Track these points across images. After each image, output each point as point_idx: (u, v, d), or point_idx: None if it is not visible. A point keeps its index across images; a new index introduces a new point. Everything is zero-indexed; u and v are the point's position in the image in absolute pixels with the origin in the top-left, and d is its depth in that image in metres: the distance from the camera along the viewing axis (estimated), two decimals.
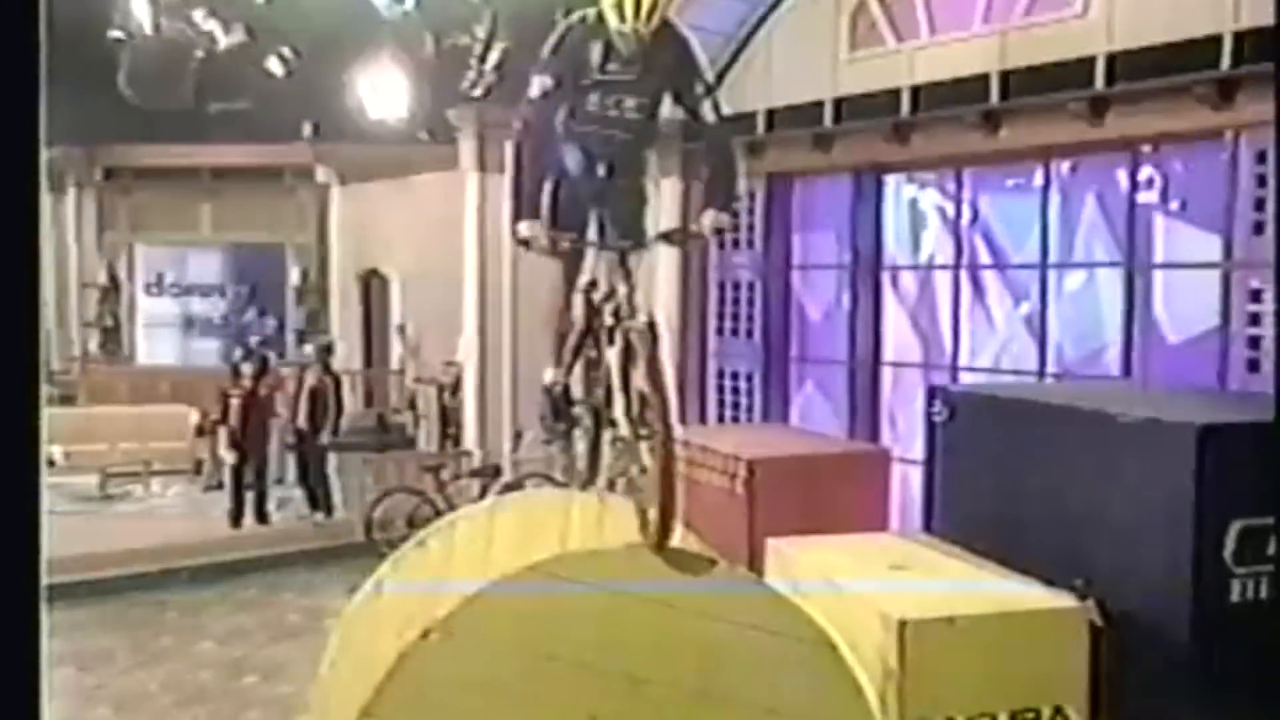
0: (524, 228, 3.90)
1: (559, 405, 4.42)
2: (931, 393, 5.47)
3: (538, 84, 3.98)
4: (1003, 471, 5.04)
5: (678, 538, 4.40)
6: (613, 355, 4.08)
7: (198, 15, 8.18)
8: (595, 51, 3.90)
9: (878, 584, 4.22)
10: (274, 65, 17.01)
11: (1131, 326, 9.10)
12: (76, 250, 20.34)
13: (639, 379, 3.85)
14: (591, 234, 4.15)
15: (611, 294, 4.01)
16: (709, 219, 4.04)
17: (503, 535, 4.46)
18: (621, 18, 3.75)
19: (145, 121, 17.68)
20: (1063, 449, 4.81)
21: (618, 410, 4.11)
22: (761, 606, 3.74)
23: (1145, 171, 8.97)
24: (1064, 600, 4.08)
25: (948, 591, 4.14)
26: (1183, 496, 4.16)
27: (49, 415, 10.05)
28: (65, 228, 20.62)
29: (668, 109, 4.20)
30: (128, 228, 20.13)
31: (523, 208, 3.95)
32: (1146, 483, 4.38)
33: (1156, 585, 4.24)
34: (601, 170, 4.04)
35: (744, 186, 4.16)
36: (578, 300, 4.20)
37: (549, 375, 4.46)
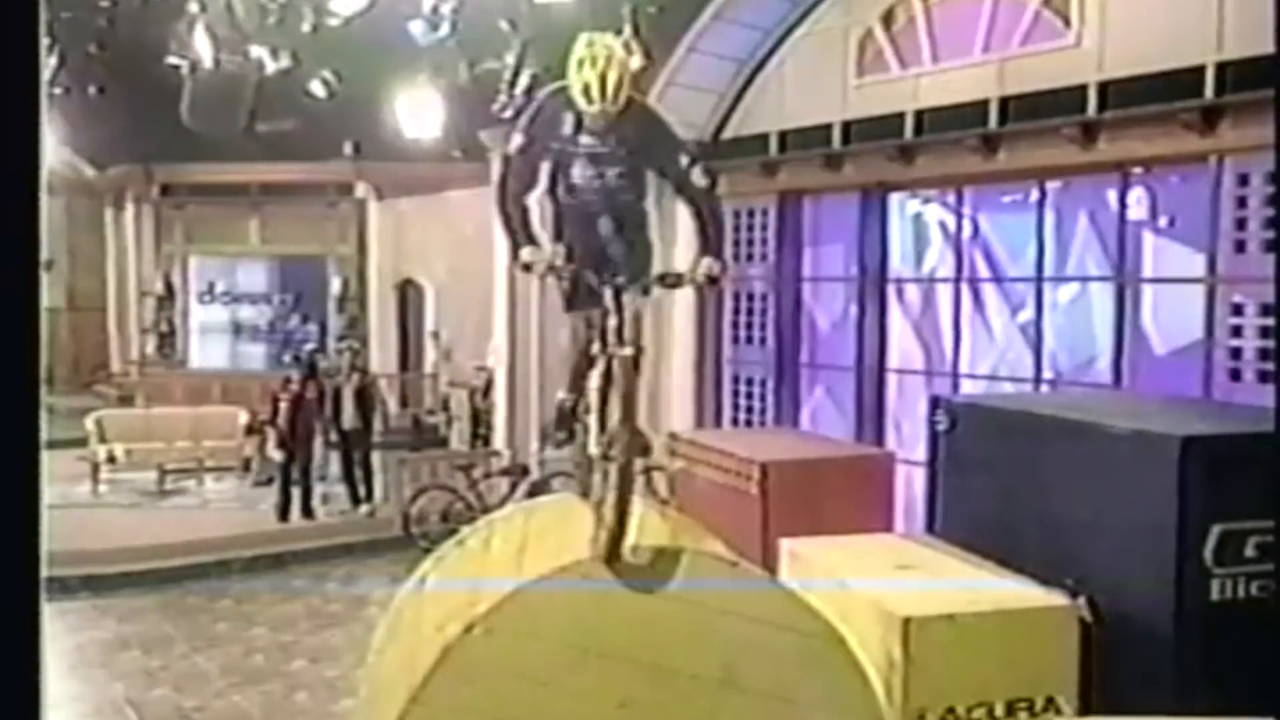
0: (525, 254, 4.04)
1: (564, 417, 4.56)
2: (934, 403, 5.54)
3: (514, 139, 4.16)
4: (1000, 478, 5.10)
5: (699, 540, 4.50)
6: (594, 379, 4.22)
7: (254, 50, 8.30)
8: (568, 123, 4.04)
9: (884, 583, 4.29)
10: (317, 88, 17.19)
11: (1122, 337, 9.13)
12: (136, 261, 20.64)
13: (613, 406, 3.95)
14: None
15: (604, 324, 4.12)
16: (704, 266, 4.15)
17: (536, 537, 4.55)
18: (589, 99, 3.89)
19: (199, 141, 17.87)
20: (1057, 457, 4.87)
21: (592, 431, 4.22)
22: (778, 604, 3.82)
23: (1135, 192, 9.02)
24: (1056, 599, 4.15)
25: (949, 590, 4.21)
26: (1167, 502, 4.22)
27: (112, 415, 10.31)
28: (125, 240, 20.94)
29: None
30: (182, 240, 20.39)
31: (518, 238, 4.08)
32: (1134, 489, 4.45)
33: (1142, 585, 4.31)
34: (606, 228, 4.15)
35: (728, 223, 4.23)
36: (578, 328, 4.34)
37: (561, 394, 4.65)
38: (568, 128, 4.07)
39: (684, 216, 4.38)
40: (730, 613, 3.74)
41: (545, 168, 4.22)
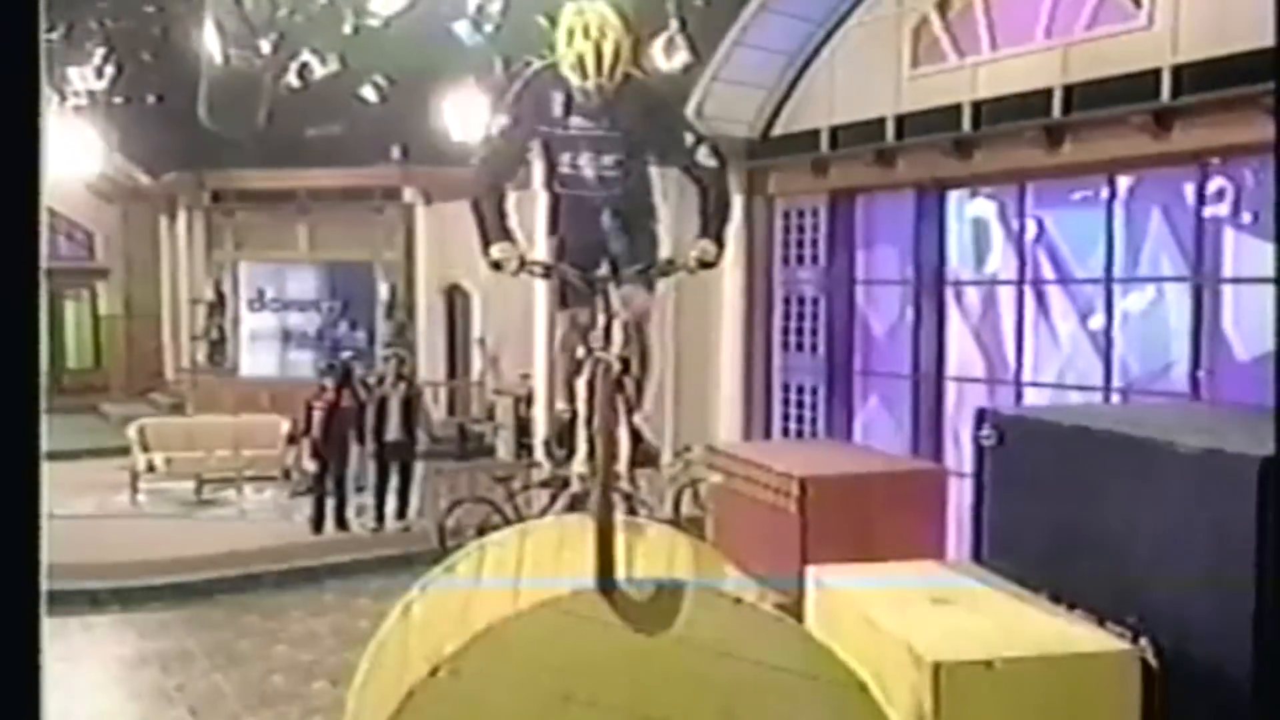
0: (495, 250, 3.69)
1: (564, 429, 4.20)
2: (980, 416, 5.07)
3: (496, 123, 3.81)
4: (1054, 500, 4.63)
5: (714, 568, 4.10)
6: (581, 386, 3.90)
7: (265, 45, 8.09)
8: (557, 103, 3.68)
9: (915, 619, 3.85)
10: (368, 92, 17.11)
11: (1199, 343, 8.59)
12: (188, 268, 20.76)
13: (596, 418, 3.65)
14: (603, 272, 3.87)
15: (592, 326, 3.82)
16: (696, 250, 3.75)
17: (533, 562, 4.19)
18: (583, 74, 3.53)
19: (248, 148, 17.92)
20: (1118, 478, 4.38)
21: (580, 446, 3.94)
22: (788, 645, 3.41)
23: (1214, 184, 8.45)
24: (1114, 642, 3.67)
25: (989, 630, 3.75)
26: (1243, 530, 3.72)
27: (154, 423, 10.20)
28: (178, 248, 21.10)
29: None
30: (232, 247, 20.48)
31: (489, 233, 3.72)
32: (1206, 516, 3.95)
33: (1215, 625, 3.81)
34: (605, 220, 3.80)
35: (738, 214, 3.89)
36: (568, 330, 3.97)
37: (560, 404, 4.26)
38: (558, 108, 3.69)
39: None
40: (733, 656, 3.33)
41: (534, 155, 3.88)
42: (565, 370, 4.10)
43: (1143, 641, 3.72)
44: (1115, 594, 4.03)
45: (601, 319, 3.75)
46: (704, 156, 3.80)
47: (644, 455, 4.12)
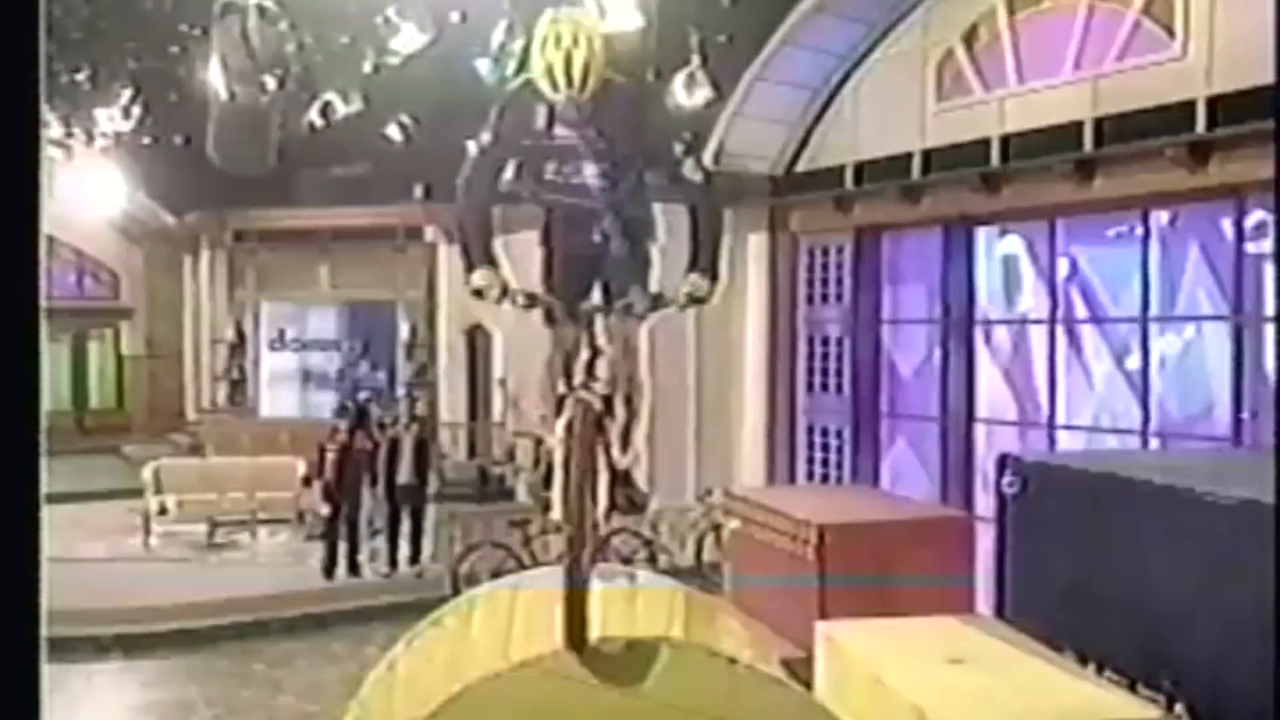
0: (476, 278, 3.51)
1: (550, 470, 3.87)
2: (1002, 461, 4.86)
3: (475, 143, 3.60)
4: (1081, 551, 4.41)
5: (712, 623, 3.91)
6: (559, 426, 3.61)
7: (270, 81, 8.06)
8: (539, 116, 3.50)
9: (930, 681, 3.63)
10: (394, 132, 17.18)
11: (1240, 384, 8.34)
12: (210, 308, 20.85)
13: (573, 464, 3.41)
14: (595, 300, 3.69)
15: (575, 354, 3.61)
16: (687, 284, 3.52)
17: (525, 615, 4.01)
18: (553, 84, 3.37)
19: (271, 186, 18.01)
20: (1148, 529, 4.17)
21: (555, 489, 3.62)
22: (785, 710, 3.21)
23: (1254, 218, 8.24)
24: (1146, 709, 3.44)
25: (1008, 694, 3.53)
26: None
27: (169, 465, 10.11)
28: (200, 287, 21.18)
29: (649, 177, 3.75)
30: (254, 286, 20.53)
31: (473, 259, 3.57)
32: (1242, 570, 3.72)
33: (1254, 689, 3.56)
34: (594, 237, 3.61)
35: (727, 246, 3.58)
36: (554, 355, 3.74)
37: (547, 437, 3.94)
38: (540, 121, 3.53)
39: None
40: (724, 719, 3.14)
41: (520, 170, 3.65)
42: (549, 401, 3.85)
43: (1178, 708, 3.48)
44: (1146, 654, 3.80)
45: (586, 353, 3.56)
46: (689, 170, 3.62)
47: (629, 501, 3.83)
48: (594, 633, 3.59)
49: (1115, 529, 4.31)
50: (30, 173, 1.60)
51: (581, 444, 3.41)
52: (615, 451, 3.61)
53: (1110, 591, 4.20)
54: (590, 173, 3.56)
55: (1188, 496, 4.07)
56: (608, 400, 3.54)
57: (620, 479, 3.68)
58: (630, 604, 4.09)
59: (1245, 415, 8.25)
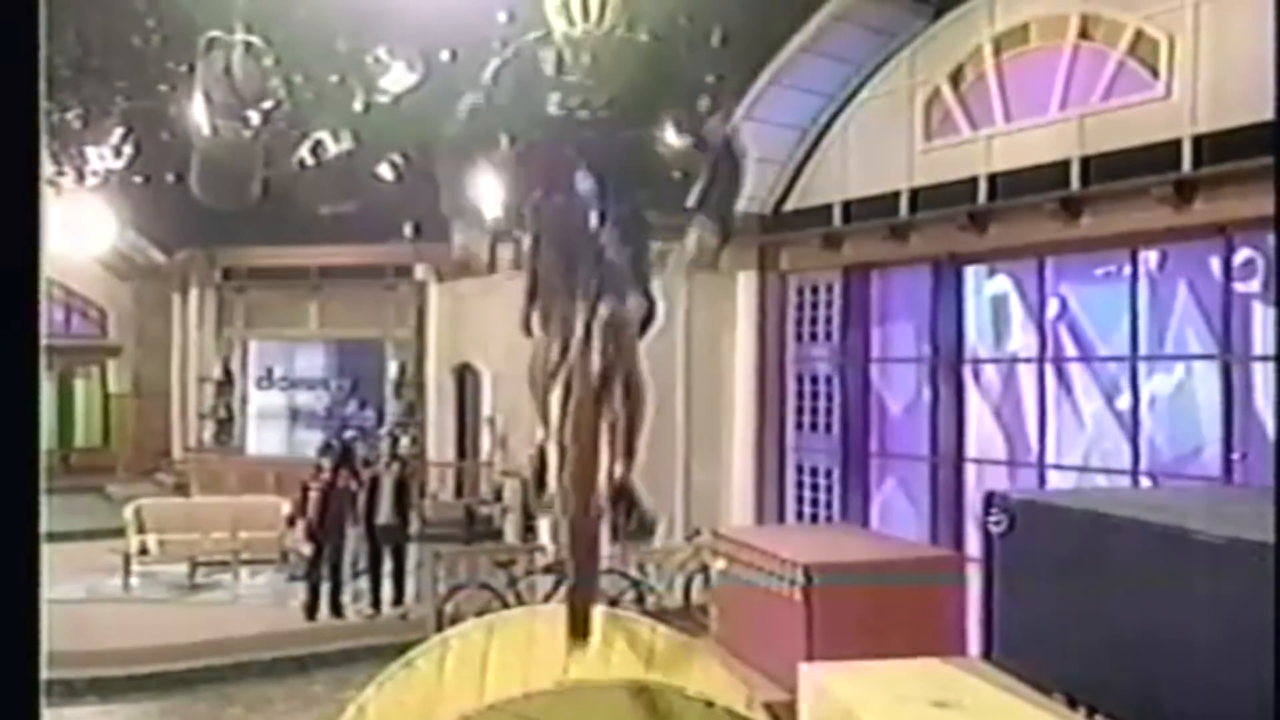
0: (459, 237, 3.31)
1: (543, 467, 3.63)
2: (989, 499, 4.79)
3: (467, 100, 3.37)
4: (1069, 591, 4.33)
5: (687, 663, 3.83)
6: (555, 399, 3.36)
7: (253, 116, 8.04)
8: (548, 62, 3.27)
9: None
10: (385, 171, 17.18)
11: (1231, 423, 8.31)
12: (198, 345, 20.77)
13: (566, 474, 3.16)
14: (582, 293, 3.38)
15: (568, 346, 3.28)
16: (692, 239, 3.28)
17: (499, 657, 3.92)
18: (569, 20, 3.14)
19: (261, 224, 18.00)
20: (1136, 568, 4.09)
21: (550, 466, 3.42)
22: None
23: (1241, 256, 8.24)
24: None
25: None
26: (1269, 627, 3.42)
27: (150, 504, 10.03)
28: (189, 325, 21.11)
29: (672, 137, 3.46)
30: (243, 324, 20.48)
31: (452, 210, 3.34)
32: (1231, 610, 3.65)
33: None
34: (593, 220, 3.30)
35: (741, 207, 3.42)
36: (540, 337, 3.45)
37: (539, 434, 3.69)
38: (549, 66, 3.28)
39: None
40: None
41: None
42: (540, 385, 3.53)
43: None
44: (1138, 697, 3.72)
45: (579, 328, 3.21)
46: (714, 127, 3.39)
47: (638, 522, 3.56)
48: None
49: (1104, 568, 4.24)
50: (31, 205, 1.53)
51: (580, 410, 3.10)
52: (618, 460, 3.29)
53: (1099, 633, 4.12)
54: (598, 104, 3.25)
55: (1178, 535, 4.01)
56: (606, 374, 3.19)
57: (625, 495, 3.39)
58: (608, 644, 4.01)
59: (1235, 455, 8.21)
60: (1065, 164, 8.90)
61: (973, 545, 9.65)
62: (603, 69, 3.19)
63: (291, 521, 12.61)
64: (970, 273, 10.50)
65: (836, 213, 11.05)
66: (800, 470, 11.68)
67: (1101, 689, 3.86)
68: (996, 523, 4.65)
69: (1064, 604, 4.35)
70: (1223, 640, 3.69)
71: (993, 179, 9.54)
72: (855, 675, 4.11)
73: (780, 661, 5.82)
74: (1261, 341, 8.16)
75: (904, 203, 10.34)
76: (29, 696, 1.51)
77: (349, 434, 15.89)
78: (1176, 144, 8.08)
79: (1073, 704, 3.95)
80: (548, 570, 11.36)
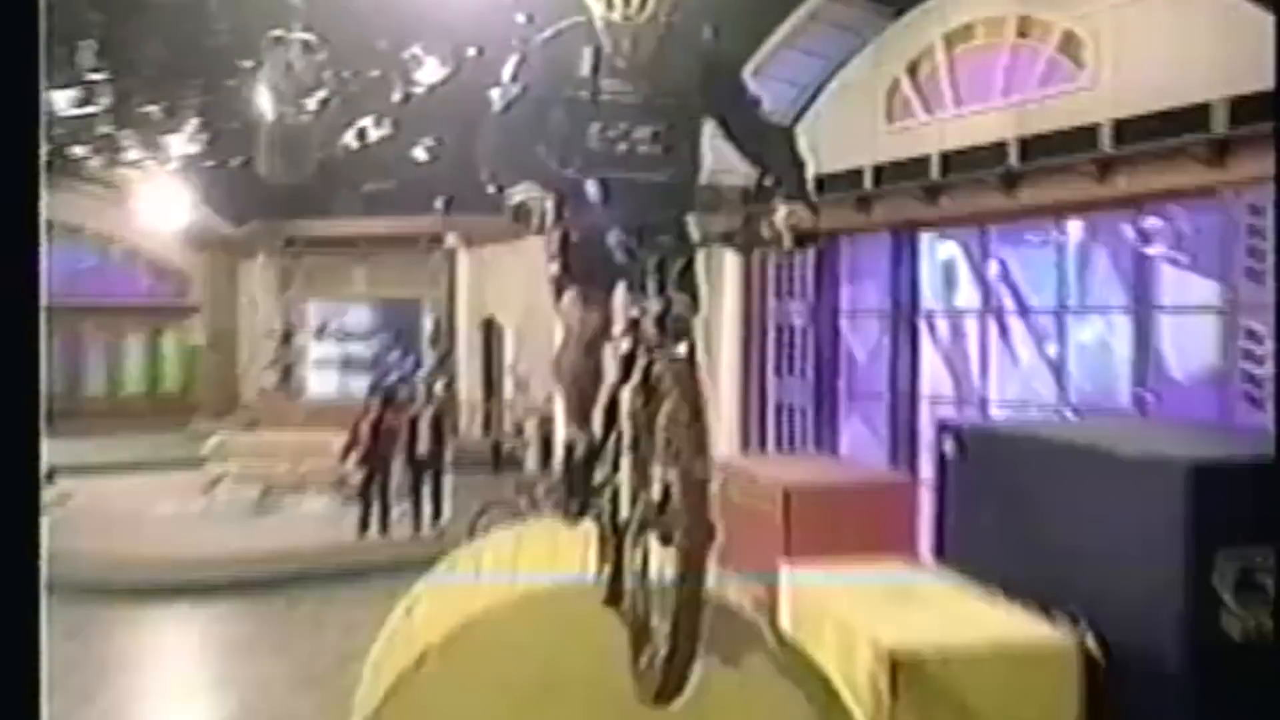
0: (519, 190, 2.40)
1: (576, 476, 2.82)
2: (942, 428, 4.86)
3: (500, 93, 2.66)
4: (1008, 503, 4.41)
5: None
6: (627, 398, 2.54)
7: (310, 103, 8.03)
8: (584, 59, 2.57)
9: (877, 613, 3.63)
10: (419, 153, 17.09)
11: (1142, 366, 8.36)
12: (264, 305, 20.79)
13: (662, 445, 2.25)
14: (621, 296, 2.61)
15: (640, 318, 2.44)
16: (782, 214, 2.58)
17: (528, 559, 3.99)
18: (609, 3, 2.45)
19: (315, 200, 17.95)
20: (1065, 483, 4.17)
21: (624, 483, 2.56)
22: (757, 642, 3.19)
23: (1151, 224, 8.25)
24: (1059, 635, 3.44)
25: (944, 624, 3.53)
26: (1175, 531, 3.51)
27: (228, 439, 10.15)
28: (254, 287, 21.12)
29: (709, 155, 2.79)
30: (301, 286, 20.48)
31: (499, 180, 2.49)
32: (1142, 517, 3.73)
33: (1150, 618, 3.58)
34: (631, 239, 2.47)
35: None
36: (583, 318, 2.66)
37: (567, 432, 2.90)
38: (584, 65, 2.57)
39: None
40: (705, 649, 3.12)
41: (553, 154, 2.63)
42: (577, 380, 2.75)
43: (1086, 633, 3.49)
44: (1062, 588, 3.81)
45: (654, 305, 2.35)
46: (765, 129, 2.75)
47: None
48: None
49: (1038, 483, 4.31)
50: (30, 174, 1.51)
51: (691, 416, 2.15)
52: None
53: (1033, 537, 4.20)
54: (641, 138, 2.64)
55: (1096, 453, 4.08)
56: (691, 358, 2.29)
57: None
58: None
59: (1144, 393, 8.27)
60: (1005, 144, 8.86)
61: (925, 470, 9.77)
62: (649, 78, 2.59)
63: (345, 454, 12.71)
64: (925, 238, 10.50)
65: (810, 186, 10.99)
66: (779, 409, 11.73)
67: (1033, 584, 3.94)
68: (948, 448, 4.72)
69: (1004, 513, 4.43)
70: (1133, 542, 3.76)
71: (944, 157, 9.49)
72: (829, 573, 4.19)
73: (762, 565, 5.91)
74: (1169, 295, 8.22)
75: (868, 178, 10.29)
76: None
77: (392, 379, 15.94)
78: (1098, 127, 8.06)
79: (1009, 596, 4.03)
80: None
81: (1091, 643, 3.42)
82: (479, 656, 2.99)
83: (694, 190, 2.85)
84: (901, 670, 3.26)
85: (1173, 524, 3.55)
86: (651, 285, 2.43)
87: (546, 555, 4.00)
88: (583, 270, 2.67)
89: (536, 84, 2.63)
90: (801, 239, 2.65)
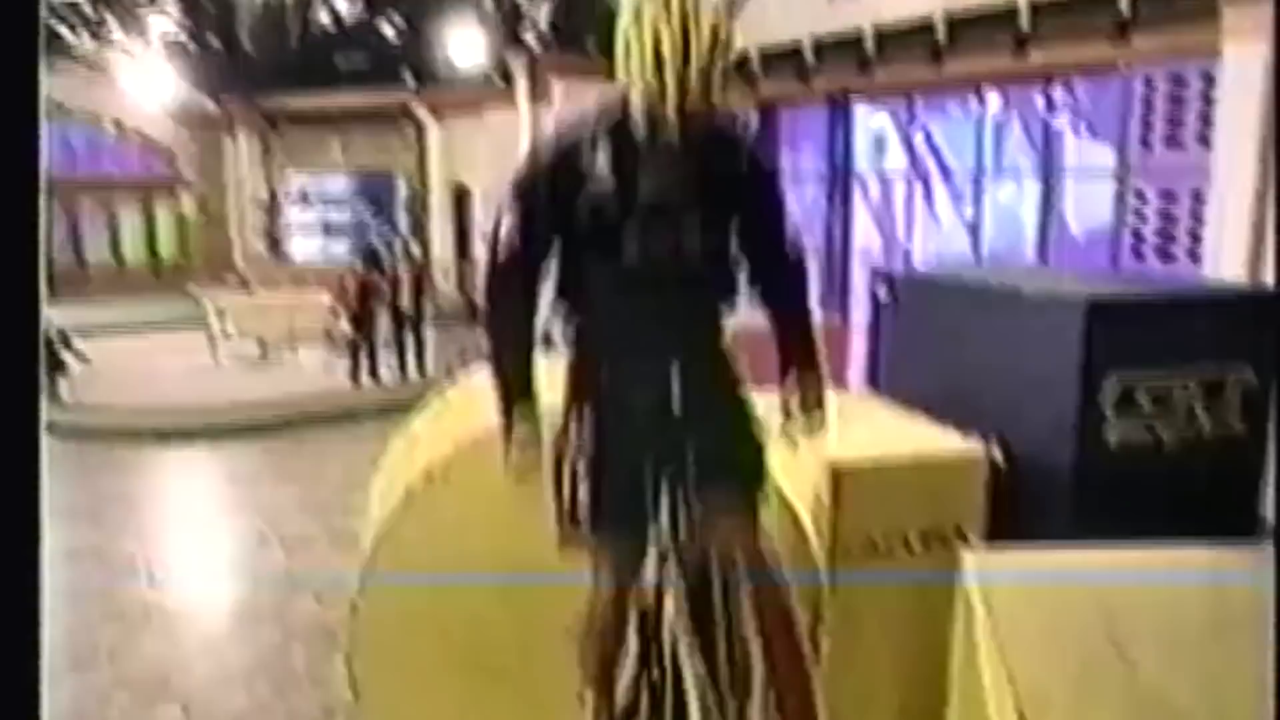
0: (519, 430, 1.90)
1: None
2: (875, 274, 4.99)
3: (506, 217, 1.98)
4: (932, 340, 4.59)
5: None
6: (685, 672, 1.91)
7: None
8: (603, 158, 1.87)
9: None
10: (387, 29, 16.35)
11: (1047, 224, 8.55)
12: (249, 177, 20.18)
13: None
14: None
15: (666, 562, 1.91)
16: (796, 415, 2.03)
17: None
18: (660, 94, 1.74)
19: (291, 75, 17.23)
20: (981, 321, 4.34)
21: None
22: None
23: (1059, 97, 8.28)
24: (971, 447, 3.67)
25: (877, 440, 3.74)
26: (1070, 358, 3.71)
27: (228, 300, 10.06)
28: (240, 160, 20.44)
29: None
30: (282, 158, 19.84)
31: (510, 395, 2.03)
32: (1045, 348, 3.92)
33: (1046, 432, 3.83)
34: (675, 395, 1.92)
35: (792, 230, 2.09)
36: (602, 579, 2.08)
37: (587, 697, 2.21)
38: (605, 164, 1.87)
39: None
40: None
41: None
42: (599, 659, 2.12)
43: (993, 446, 3.72)
44: (975, 411, 4.01)
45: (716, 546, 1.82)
46: (787, 230, 1.93)
47: None
48: None
49: (958, 322, 4.47)
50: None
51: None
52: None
53: (953, 368, 4.38)
54: (691, 245, 1.97)
55: (1006, 294, 4.23)
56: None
57: None
58: None
59: (1049, 248, 8.48)
60: (931, 20, 8.73)
61: (856, 317, 10.01)
62: (693, 177, 1.89)
63: (334, 311, 12.66)
64: (859, 108, 10.42)
65: (755, 57, 10.78)
66: None
67: (953, 408, 4.13)
68: (882, 291, 4.85)
69: (929, 348, 4.61)
70: (1039, 368, 3.97)
71: (878, 32, 9.35)
72: (767, 398, 4.36)
73: None
74: (1071, 160, 8.32)
75: (808, 50, 10.12)
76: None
77: (374, 242, 15.73)
78: (1017, 6, 7.97)
79: (932, 419, 4.21)
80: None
81: (997, 453, 3.65)
82: (480, 470, 3.11)
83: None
84: (841, 479, 3.47)
85: (1068, 352, 3.75)
86: (684, 527, 1.83)
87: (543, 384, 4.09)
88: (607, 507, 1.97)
89: (549, 206, 2.02)
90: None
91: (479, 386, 4.26)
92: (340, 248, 18.98)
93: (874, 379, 5.11)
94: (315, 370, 12.52)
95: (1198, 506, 3.63)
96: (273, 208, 19.75)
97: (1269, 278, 5.99)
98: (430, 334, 12.16)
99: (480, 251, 16.22)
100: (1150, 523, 3.21)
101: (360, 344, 11.47)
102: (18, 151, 1.36)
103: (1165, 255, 7.10)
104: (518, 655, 3.15)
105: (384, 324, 11.71)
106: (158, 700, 4.38)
